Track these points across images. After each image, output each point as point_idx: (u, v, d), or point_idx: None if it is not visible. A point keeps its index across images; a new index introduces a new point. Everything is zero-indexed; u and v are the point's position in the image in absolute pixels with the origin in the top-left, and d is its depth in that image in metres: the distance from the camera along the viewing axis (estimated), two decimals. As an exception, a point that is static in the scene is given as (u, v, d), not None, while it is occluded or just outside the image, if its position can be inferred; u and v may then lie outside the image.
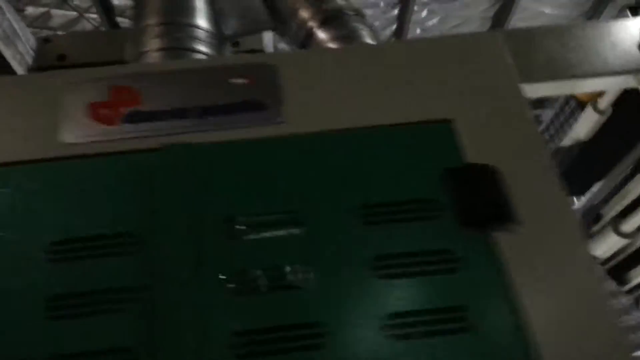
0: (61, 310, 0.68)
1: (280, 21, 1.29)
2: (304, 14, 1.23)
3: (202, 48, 1.08)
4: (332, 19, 1.20)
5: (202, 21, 1.12)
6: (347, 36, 1.17)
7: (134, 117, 0.82)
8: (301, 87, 0.84)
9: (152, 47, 1.07)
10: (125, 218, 0.74)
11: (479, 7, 3.12)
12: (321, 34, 1.19)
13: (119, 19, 3.06)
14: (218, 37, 1.14)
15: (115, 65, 0.92)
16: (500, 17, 3.10)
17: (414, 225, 0.72)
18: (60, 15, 3.02)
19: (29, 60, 2.29)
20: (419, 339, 0.64)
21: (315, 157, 0.78)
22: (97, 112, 0.83)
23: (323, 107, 0.83)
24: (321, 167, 0.77)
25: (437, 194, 0.74)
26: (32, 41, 2.35)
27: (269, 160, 0.78)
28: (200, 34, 1.10)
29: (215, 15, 1.16)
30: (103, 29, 2.96)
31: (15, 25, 2.14)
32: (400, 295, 0.67)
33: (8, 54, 2.18)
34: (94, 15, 2.99)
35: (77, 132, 0.81)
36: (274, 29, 1.35)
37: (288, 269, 0.71)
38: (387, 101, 0.82)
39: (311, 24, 1.22)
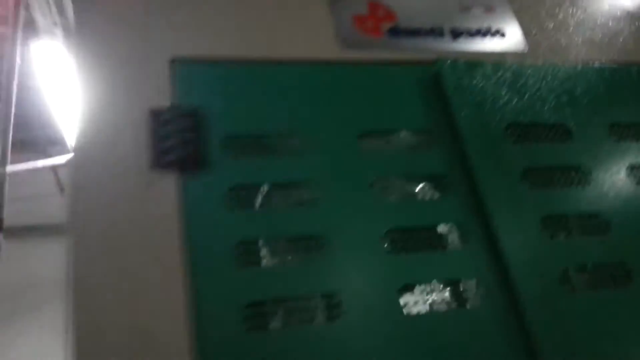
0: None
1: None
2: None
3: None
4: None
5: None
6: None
7: (397, 32, 0.89)
8: (539, 23, 0.93)
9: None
10: (418, 119, 0.81)
11: None
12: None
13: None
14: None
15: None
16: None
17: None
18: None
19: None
20: None
21: (568, 83, 0.88)
22: (362, 24, 0.88)
23: (557, 41, 0.93)
24: (578, 90, 0.87)
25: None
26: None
27: (528, 81, 0.87)
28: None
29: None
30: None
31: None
32: None
33: None
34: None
35: (349, 39, 0.86)
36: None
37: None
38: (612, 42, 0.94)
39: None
